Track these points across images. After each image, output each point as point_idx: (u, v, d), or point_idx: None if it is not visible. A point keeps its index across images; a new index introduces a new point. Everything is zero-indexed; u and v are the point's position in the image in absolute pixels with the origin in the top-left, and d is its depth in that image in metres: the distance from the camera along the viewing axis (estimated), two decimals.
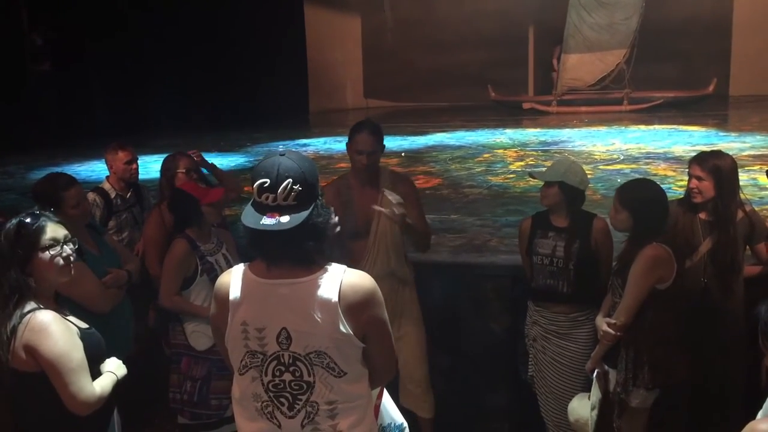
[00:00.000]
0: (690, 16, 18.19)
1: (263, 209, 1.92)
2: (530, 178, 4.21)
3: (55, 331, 2.29)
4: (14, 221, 2.38)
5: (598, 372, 3.25)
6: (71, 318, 2.46)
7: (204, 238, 3.59)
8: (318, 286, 1.95)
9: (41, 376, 2.30)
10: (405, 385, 3.72)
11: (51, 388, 2.30)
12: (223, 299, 2.03)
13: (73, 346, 2.32)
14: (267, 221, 1.89)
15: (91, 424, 2.40)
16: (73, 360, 2.30)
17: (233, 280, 2.03)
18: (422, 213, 3.71)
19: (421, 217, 3.66)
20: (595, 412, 3.21)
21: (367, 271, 3.42)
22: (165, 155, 4.38)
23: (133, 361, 2.97)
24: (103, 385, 2.41)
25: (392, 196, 3.30)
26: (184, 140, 12.82)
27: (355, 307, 1.95)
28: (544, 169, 3.68)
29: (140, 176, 4.71)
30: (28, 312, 2.30)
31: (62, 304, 2.53)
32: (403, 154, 10.81)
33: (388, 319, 2.07)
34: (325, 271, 1.98)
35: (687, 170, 3.54)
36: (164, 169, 4.23)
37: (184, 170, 4.14)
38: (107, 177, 4.64)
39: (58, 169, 4.30)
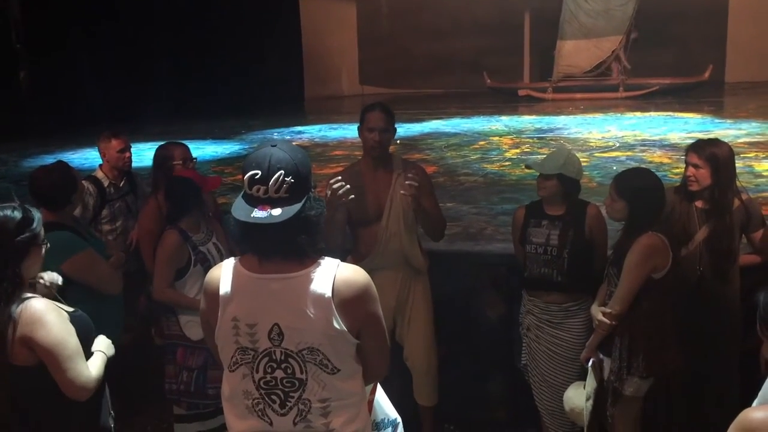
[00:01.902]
0: (686, 2, 18.16)
1: (254, 201, 1.87)
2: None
3: (50, 320, 2.27)
4: (5, 213, 2.29)
5: (593, 361, 3.24)
6: (58, 303, 2.43)
7: (194, 229, 3.56)
8: (311, 281, 1.90)
9: (39, 369, 2.26)
10: (412, 373, 3.73)
11: (49, 380, 2.27)
12: (213, 294, 1.99)
13: (67, 332, 2.30)
14: (258, 214, 1.84)
15: (86, 410, 2.39)
16: (68, 347, 2.28)
17: (223, 274, 1.98)
18: (436, 201, 3.71)
19: (435, 206, 3.67)
20: (591, 401, 3.20)
21: (380, 257, 3.50)
22: (159, 143, 4.25)
23: (125, 350, 2.95)
24: (97, 366, 2.39)
25: (406, 179, 3.34)
26: (178, 127, 12.77)
27: (349, 302, 1.91)
28: (540, 158, 3.64)
29: (134, 164, 4.64)
30: (20, 302, 2.27)
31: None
32: (398, 141, 10.77)
33: (383, 314, 2.03)
34: (318, 265, 1.93)
35: (683, 158, 3.52)
36: (159, 159, 4.05)
37: (180, 161, 4.00)
38: (100, 165, 4.58)
39: (51, 157, 4.24)
